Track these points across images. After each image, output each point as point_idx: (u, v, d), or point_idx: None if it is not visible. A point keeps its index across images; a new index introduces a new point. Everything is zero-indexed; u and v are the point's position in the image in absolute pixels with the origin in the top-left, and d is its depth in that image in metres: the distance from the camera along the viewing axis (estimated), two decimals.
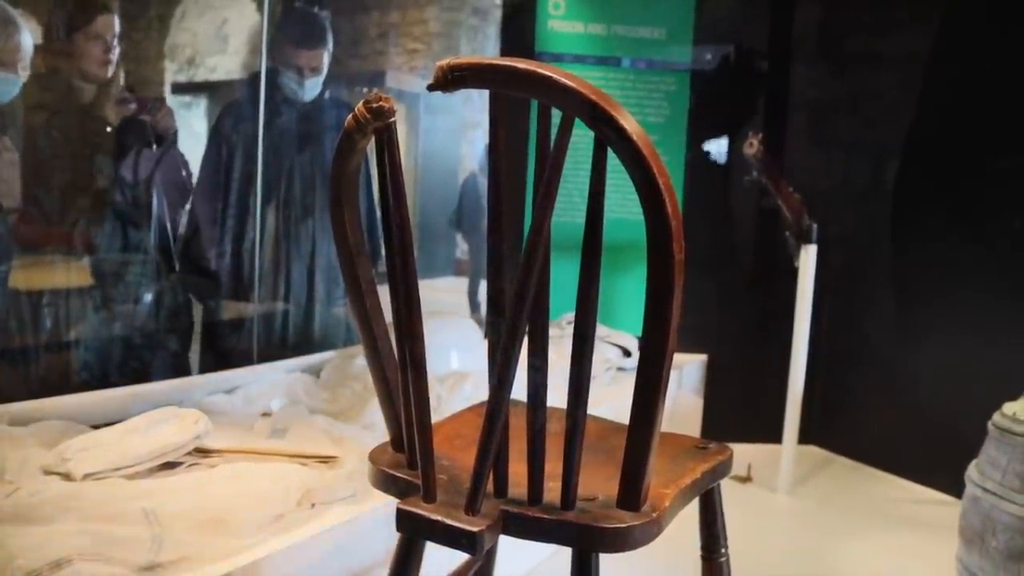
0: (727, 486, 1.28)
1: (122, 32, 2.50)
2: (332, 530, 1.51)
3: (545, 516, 1.08)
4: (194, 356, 2.62)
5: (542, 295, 1.03)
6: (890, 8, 3.10)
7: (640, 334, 1.01)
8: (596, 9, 3.10)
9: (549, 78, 0.93)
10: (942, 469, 2.82)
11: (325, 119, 2.89)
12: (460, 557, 1.44)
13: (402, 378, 1.14)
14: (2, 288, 2.19)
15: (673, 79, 3.16)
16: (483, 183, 3.50)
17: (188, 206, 2.76)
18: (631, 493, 1.08)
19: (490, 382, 1.07)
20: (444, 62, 0.99)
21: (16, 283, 2.22)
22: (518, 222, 3.24)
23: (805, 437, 2.96)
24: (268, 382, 2.12)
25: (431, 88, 1.02)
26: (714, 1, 3.24)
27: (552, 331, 3.09)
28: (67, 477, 1.41)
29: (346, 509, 1.59)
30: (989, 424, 2.00)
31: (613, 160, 0.93)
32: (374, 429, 1.89)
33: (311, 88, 2.81)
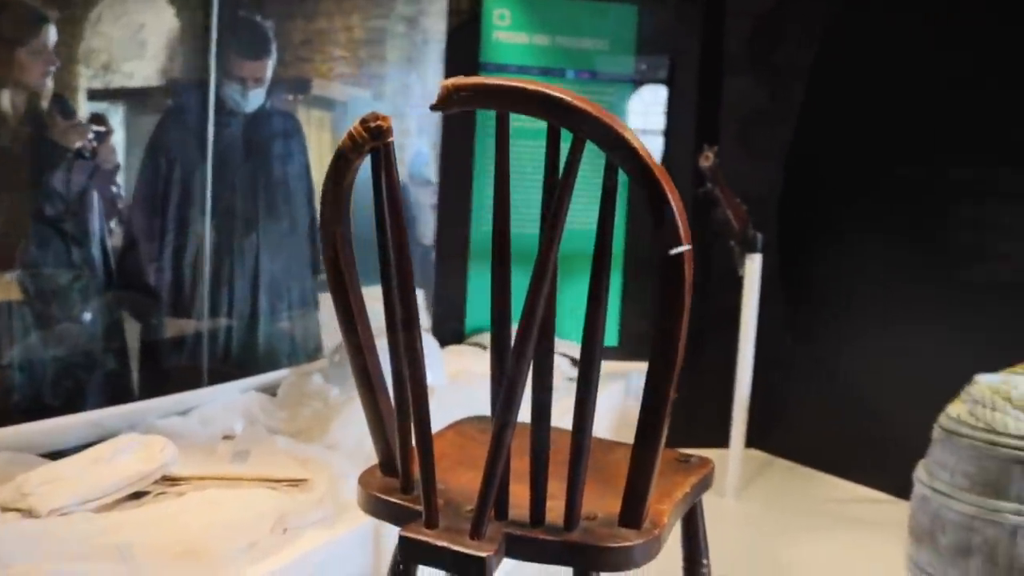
0: None
1: (58, 41, 2.40)
2: (308, 555, 1.48)
3: (550, 538, 1.08)
4: (133, 376, 2.52)
5: (548, 317, 1.02)
6: (813, 23, 3.21)
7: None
8: (541, 21, 3.11)
9: (562, 100, 0.93)
10: (879, 469, 2.92)
11: (268, 130, 2.83)
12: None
13: (399, 401, 1.13)
14: None
15: (615, 90, 3.20)
16: (414, 192, 3.48)
17: (115, 220, 2.66)
18: (634, 511, 1.09)
19: (496, 406, 1.06)
20: (449, 81, 0.98)
21: None
22: (464, 233, 3.24)
23: (746, 441, 3.02)
24: (222, 403, 2.06)
25: (435, 108, 1.01)
26: (653, 14, 3.29)
27: None
28: (29, 513, 1.34)
29: (319, 533, 1.55)
30: (936, 427, 2.07)
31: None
32: (339, 449, 1.86)
33: (254, 99, 2.75)
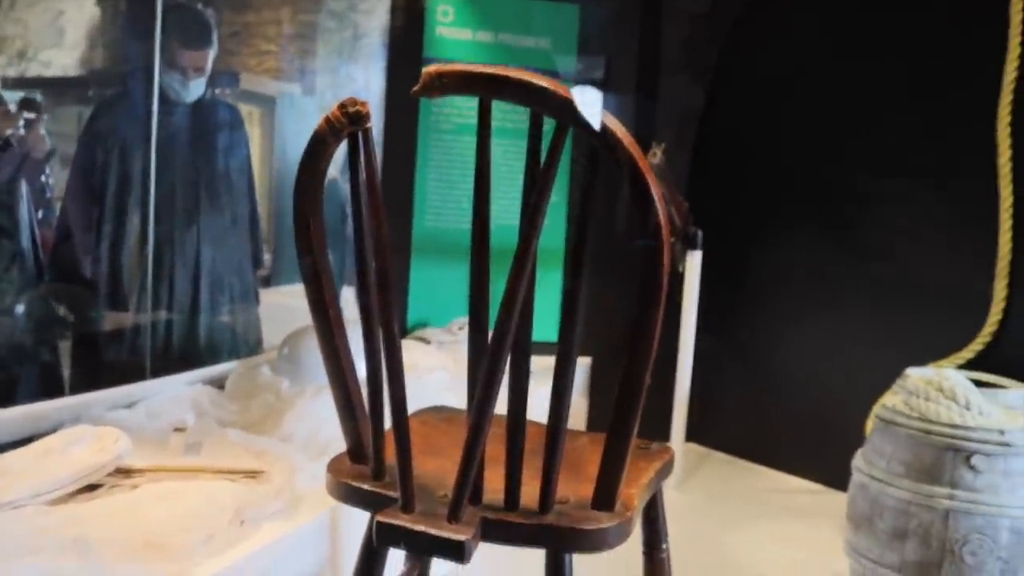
0: None
1: None
2: (267, 547, 1.47)
3: (524, 521, 1.09)
4: (71, 369, 2.45)
5: (527, 306, 1.03)
6: (745, 25, 3.30)
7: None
8: (484, 18, 3.12)
9: (546, 88, 0.95)
10: (813, 461, 3.01)
11: (210, 121, 2.78)
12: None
13: (372, 387, 1.13)
14: None
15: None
16: (344, 188, 3.46)
17: (43, 211, 2.58)
18: (607, 495, 1.11)
19: (472, 394, 1.07)
20: (432, 68, 0.99)
21: None
22: (406, 227, 3.23)
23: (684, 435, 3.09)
24: (169, 396, 2.01)
25: (415, 93, 1.01)
26: (594, 14, 3.33)
27: (444, 336, 3.09)
28: None
29: (277, 524, 1.54)
30: (875, 417, 2.16)
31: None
32: (292, 441, 1.84)
33: (195, 89, 2.69)
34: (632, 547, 1.37)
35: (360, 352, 1.13)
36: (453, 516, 1.05)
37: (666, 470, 1.37)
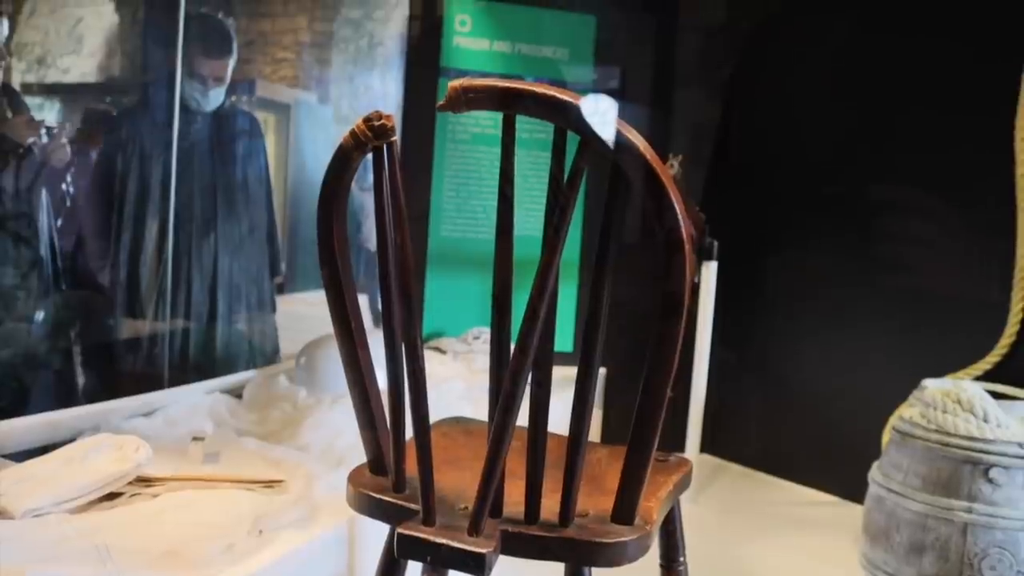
0: None
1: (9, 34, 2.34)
2: (285, 556, 1.47)
3: (545, 534, 1.09)
4: (90, 378, 2.46)
5: (550, 318, 1.03)
6: (761, 37, 3.30)
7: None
8: (502, 27, 3.14)
9: (570, 103, 0.95)
10: (828, 473, 3.00)
11: (229, 129, 2.80)
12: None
13: (393, 401, 1.13)
14: None
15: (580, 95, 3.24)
16: (360, 197, 3.47)
17: (63, 219, 2.60)
18: (627, 508, 1.11)
19: (494, 406, 1.07)
20: (457, 82, 0.99)
21: None
22: (422, 237, 3.24)
23: (699, 447, 3.08)
24: (188, 405, 2.03)
25: (441, 108, 1.02)
26: (612, 24, 3.34)
27: (459, 346, 3.10)
28: (2, 514, 1.31)
29: (295, 534, 1.54)
30: (891, 429, 2.15)
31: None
32: (309, 451, 1.85)
33: (215, 98, 2.71)
34: (650, 560, 1.37)
35: (381, 362, 1.14)
36: (474, 529, 1.06)
37: (684, 483, 1.37)
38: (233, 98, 3.04)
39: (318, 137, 4.13)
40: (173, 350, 2.66)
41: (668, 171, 0.97)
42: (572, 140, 0.99)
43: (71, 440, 1.72)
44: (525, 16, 3.18)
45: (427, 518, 1.08)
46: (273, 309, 3.01)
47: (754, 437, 3.29)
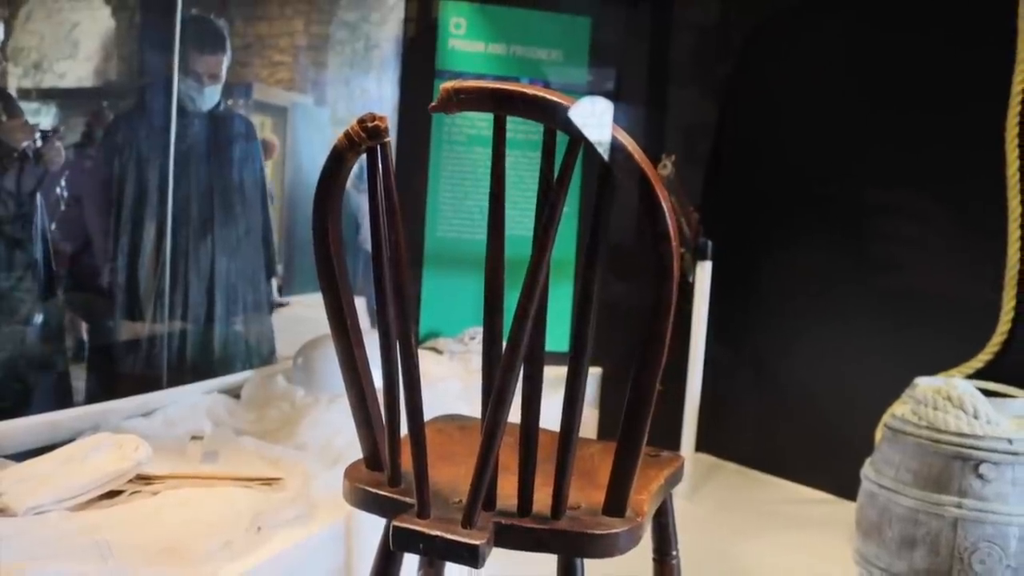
0: None
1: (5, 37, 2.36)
2: (283, 553, 1.49)
3: (537, 526, 1.11)
4: (81, 380, 2.48)
5: (540, 316, 1.05)
6: (756, 38, 3.32)
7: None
8: (496, 30, 3.16)
9: (560, 104, 0.97)
10: (822, 470, 3.03)
11: (225, 131, 2.81)
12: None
13: (388, 397, 1.15)
14: None
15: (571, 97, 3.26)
16: (358, 198, 3.49)
17: (58, 222, 2.62)
18: (618, 501, 1.13)
19: (487, 401, 1.09)
20: (450, 84, 1.01)
21: None
22: (418, 238, 3.26)
23: (694, 445, 3.10)
24: (186, 405, 2.05)
25: (433, 109, 1.04)
26: (605, 26, 3.37)
27: (456, 346, 3.12)
28: (4, 512, 1.33)
29: (293, 531, 1.56)
30: (883, 426, 2.17)
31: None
32: (307, 449, 1.87)
33: (210, 96, 2.73)
34: (643, 554, 1.40)
35: (376, 360, 1.16)
36: (467, 521, 1.08)
37: (676, 477, 1.39)
38: (230, 101, 3.06)
39: (315, 139, 4.16)
40: (171, 351, 2.68)
41: (657, 172, 1.00)
42: (563, 140, 1.01)
43: (71, 440, 1.74)
44: (520, 18, 3.21)
45: (422, 511, 1.10)
46: (270, 310, 3.03)
47: (749, 435, 3.32)
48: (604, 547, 1.10)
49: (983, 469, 1.92)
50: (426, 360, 2.78)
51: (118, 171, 2.63)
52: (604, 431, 3.32)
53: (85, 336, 2.62)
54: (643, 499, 1.20)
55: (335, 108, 3.63)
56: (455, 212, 3.19)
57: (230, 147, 2.86)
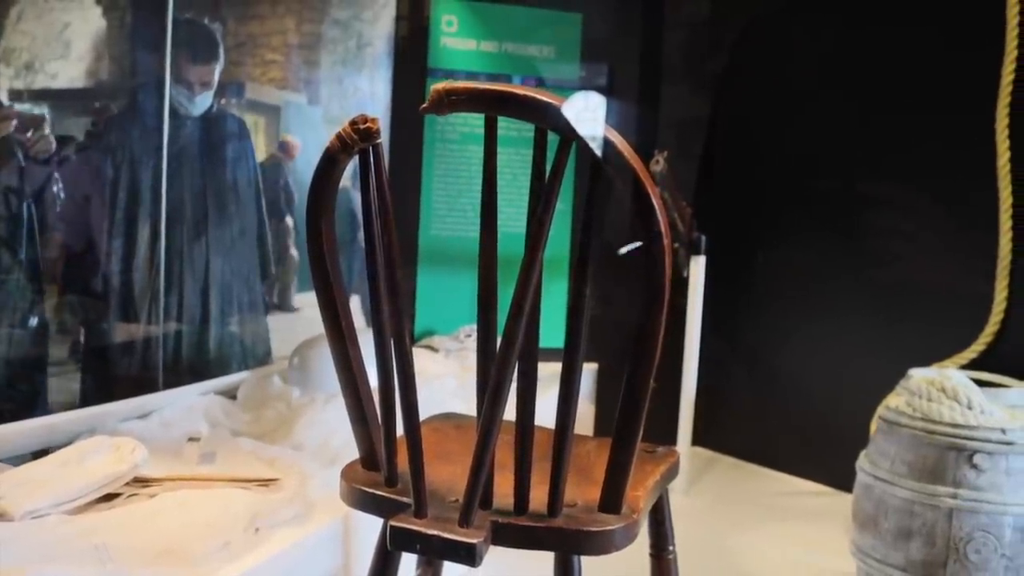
0: None
1: None
2: (281, 553, 1.50)
3: (534, 524, 1.12)
4: (84, 381, 2.48)
5: (534, 314, 1.06)
6: (748, 33, 3.33)
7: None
8: (488, 27, 3.16)
9: (550, 104, 0.98)
10: (818, 463, 3.04)
11: (218, 133, 2.81)
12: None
13: (384, 395, 1.15)
14: None
15: (562, 96, 3.26)
16: (355, 197, 3.49)
17: (54, 223, 2.61)
18: (614, 498, 1.14)
19: (482, 398, 1.10)
20: (441, 86, 1.02)
21: None
22: (412, 236, 3.27)
23: (691, 439, 3.11)
24: (182, 406, 2.05)
25: (424, 111, 1.04)
26: (597, 23, 3.37)
27: (451, 344, 3.12)
28: (2, 516, 1.33)
29: (290, 531, 1.57)
30: (878, 418, 2.18)
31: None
32: (304, 449, 1.87)
33: (201, 103, 2.73)
34: (640, 550, 1.40)
35: (372, 360, 1.16)
36: (464, 520, 1.08)
37: (671, 473, 1.40)
38: (222, 101, 3.06)
39: (308, 138, 4.15)
40: (167, 352, 2.68)
41: (647, 169, 1.00)
42: (555, 138, 1.01)
43: (68, 443, 1.74)
44: (511, 15, 3.21)
45: (419, 510, 1.11)
46: (266, 311, 3.03)
47: (744, 429, 3.33)
48: (600, 544, 1.11)
49: (977, 459, 1.93)
50: (422, 358, 2.79)
51: (111, 172, 2.63)
52: (601, 427, 3.33)
53: (81, 338, 2.62)
54: (639, 495, 1.21)
55: (328, 107, 3.62)
56: (449, 210, 3.19)
57: (223, 147, 2.86)
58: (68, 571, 1.21)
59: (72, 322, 2.54)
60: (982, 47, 2.58)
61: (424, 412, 1.50)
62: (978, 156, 2.57)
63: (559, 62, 3.26)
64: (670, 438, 2.93)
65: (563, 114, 0.97)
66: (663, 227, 0.99)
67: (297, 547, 1.52)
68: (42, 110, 3.12)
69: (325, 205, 1.15)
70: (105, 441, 1.54)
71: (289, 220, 3.24)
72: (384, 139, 1.07)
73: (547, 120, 0.99)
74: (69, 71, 3.38)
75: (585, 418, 3.32)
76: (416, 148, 3.21)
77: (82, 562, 1.24)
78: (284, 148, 3.21)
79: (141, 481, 1.51)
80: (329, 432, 1.91)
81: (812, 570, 2.38)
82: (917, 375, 2.14)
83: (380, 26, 3.57)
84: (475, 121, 3.16)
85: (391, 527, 1.09)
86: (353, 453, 1.28)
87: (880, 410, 2.22)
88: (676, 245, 2.87)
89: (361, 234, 3.75)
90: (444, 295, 3.19)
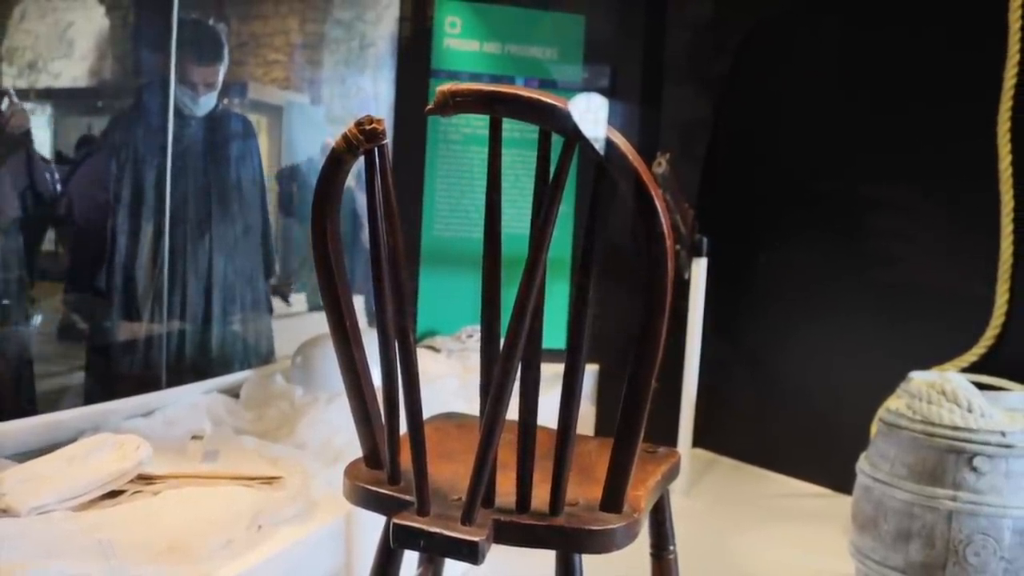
0: None
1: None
2: (284, 551, 1.50)
3: (536, 523, 1.13)
4: (87, 379, 2.49)
5: (537, 315, 1.07)
6: (751, 35, 3.34)
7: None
8: (491, 29, 3.17)
9: (555, 106, 0.99)
10: (818, 465, 3.05)
11: (222, 132, 2.82)
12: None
13: (387, 395, 1.16)
14: None
15: (565, 97, 3.27)
16: (359, 196, 3.50)
17: (56, 222, 2.62)
18: (615, 497, 1.15)
19: (485, 398, 1.11)
20: (446, 87, 1.03)
21: None
22: (414, 237, 3.27)
23: (691, 441, 3.11)
24: (186, 405, 2.06)
25: (429, 112, 1.05)
26: (600, 24, 3.38)
27: (453, 344, 3.13)
28: (7, 512, 1.34)
29: (293, 529, 1.58)
30: (878, 421, 2.19)
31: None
32: (306, 448, 1.88)
33: (205, 103, 2.74)
34: (640, 550, 1.41)
35: (375, 359, 1.17)
36: (467, 518, 1.09)
37: (672, 473, 1.41)
38: (225, 100, 3.07)
39: (311, 138, 4.16)
40: (170, 351, 2.69)
41: (650, 171, 1.01)
42: (559, 139, 1.02)
43: (72, 440, 1.75)
44: (514, 17, 3.22)
45: (421, 508, 1.12)
46: (269, 310, 3.03)
47: (745, 431, 3.33)
48: (602, 543, 1.12)
49: (977, 462, 1.94)
50: (424, 358, 2.80)
51: (116, 172, 2.64)
52: (602, 427, 3.33)
53: (85, 336, 2.63)
54: (640, 495, 1.22)
55: (331, 107, 3.63)
56: (452, 210, 3.20)
57: (227, 147, 2.87)
58: (72, 567, 1.22)
59: (76, 320, 2.55)
60: (985, 51, 2.59)
61: (426, 412, 1.51)
62: (980, 159, 2.58)
63: (562, 63, 3.27)
64: (671, 439, 2.93)
65: (568, 116, 0.98)
66: (666, 229, 1.00)
67: (299, 545, 1.53)
68: (46, 109, 3.13)
69: (331, 206, 1.16)
70: (109, 438, 1.55)
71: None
72: (388, 142, 1.08)
73: (552, 122, 0.99)
74: (72, 70, 3.39)
75: (586, 418, 3.33)
76: (419, 149, 3.22)
77: (86, 558, 1.25)
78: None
79: (145, 478, 1.52)
80: (332, 431, 1.92)
81: (811, 571, 2.39)
82: (917, 378, 2.14)
83: (383, 27, 3.58)
84: (477, 122, 3.17)
85: (394, 524, 1.10)
86: (355, 452, 1.28)
87: (880, 412, 2.22)
88: (678, 247, 2.88)
89: (363, 234, 3.76)
90: (446, 296, 3.20)
